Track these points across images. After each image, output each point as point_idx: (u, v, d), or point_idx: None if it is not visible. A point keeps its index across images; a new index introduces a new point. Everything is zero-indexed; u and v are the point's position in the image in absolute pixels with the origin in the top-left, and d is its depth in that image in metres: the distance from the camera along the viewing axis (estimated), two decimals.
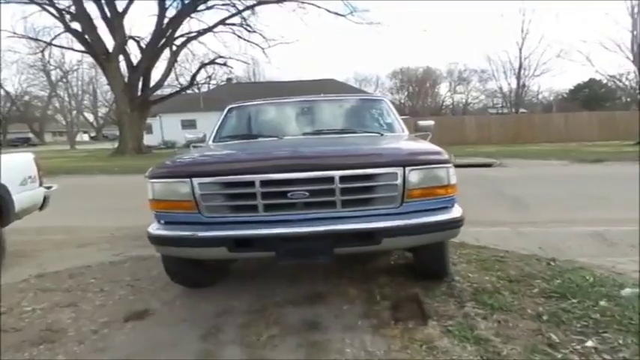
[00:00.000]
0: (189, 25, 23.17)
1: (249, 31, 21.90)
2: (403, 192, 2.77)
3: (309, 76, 56.43)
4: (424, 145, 3.37)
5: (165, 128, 35.09)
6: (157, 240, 2.89)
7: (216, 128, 4.49)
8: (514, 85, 42.42)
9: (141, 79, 21.96)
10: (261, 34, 21.61)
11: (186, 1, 20.95)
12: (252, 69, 48.63)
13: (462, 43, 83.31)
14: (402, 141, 3.77)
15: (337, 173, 2.69)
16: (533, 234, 5.12)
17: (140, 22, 46.82)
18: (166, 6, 21.25)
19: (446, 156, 2.93)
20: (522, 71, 40.26)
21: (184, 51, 22.26)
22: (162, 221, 2.92)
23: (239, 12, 20.42)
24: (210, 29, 21.37)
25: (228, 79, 40.24)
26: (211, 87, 39.96)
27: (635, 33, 18.29)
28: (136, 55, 22.08)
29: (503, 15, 53.82)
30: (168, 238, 2.87)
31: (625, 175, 9.96)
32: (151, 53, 21.37)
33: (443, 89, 61.96)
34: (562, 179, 9.62)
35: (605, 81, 53.78)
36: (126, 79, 21.04)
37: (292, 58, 79.88)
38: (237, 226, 2.77)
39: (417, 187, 2.79)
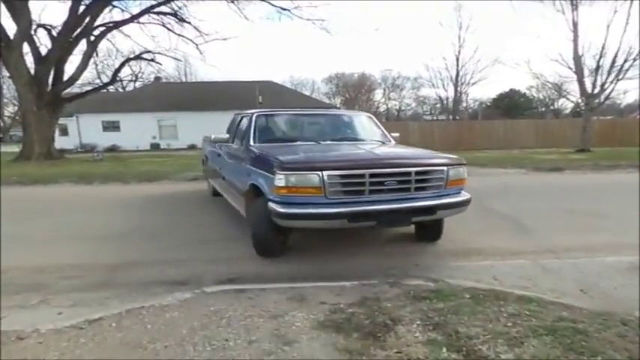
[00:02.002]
0: (112, 15, 20.41)
1: (180, 23, 19.69)
2: (446, 182, 4.40)
3: (244, 77, 54.18)
4: (450, 155, 4.76)
5: (83, 130, 31.43)
6: (292, 216, 3.99)
7: (252, 132, 5.48)
8: (450, 93, 43.32)
9: (52, 72, 18.95)
10: (195, 27, 19.45)
11: None
12: (184, 68, 45.72)
13: (397, 50, 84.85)
14: (435, 153, 4.92)
15: (413, 169, 4.24)
16: (561, 269, 4.14)
17: (53, 8, 41.64)
18: None
19: (464, 161, 4.68)
20: (459, 78, 41.10)
21: (108, 46, 19.59)
22: (290, 202, 3.99)
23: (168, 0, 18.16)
24: (134, 18, 18.87)
25: (157, 78, 37.15)
26: (138, 85, 36.75)
27: (575, 44, 18.56)
28: (46, 46, 19.05)
29: (442, 24, 55.29)
30: (305, 214, 3.97)
31: (601, 186, 9.47)
32: (63, 43, 18.47)
33: (378, 95, 62.92)
34: (536, 191, 8.85)
35: (523, 91, 57.66)
36: (33, 72, 17.97)
37: (227, 58, 76.78)
38: (350, 205, 4.01)
39: (452, 178, 4.45)
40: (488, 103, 57.15)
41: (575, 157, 15.93)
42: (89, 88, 24.76)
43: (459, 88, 42.15)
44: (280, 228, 4.27)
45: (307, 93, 52.69)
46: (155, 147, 30.98)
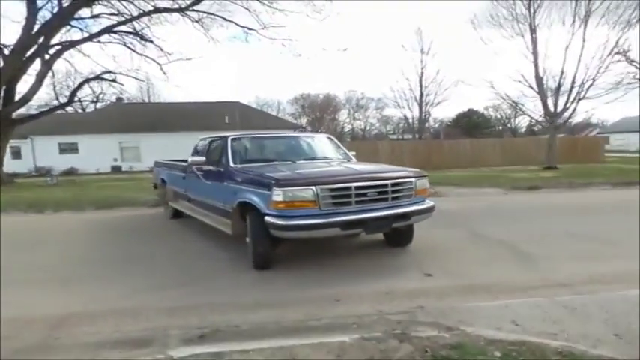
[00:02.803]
0: (70, 34, 19.18)
1: (143, 42, 18.80)
2: (415, 191, 5.13)
3: (210, 98, 53.26)
4: (414, 169, 5.48)
5: (38, 152, 29.60)
6: (291, 228, 4.41)
7: (229, 154, 5.81)
8: (415, 113, 43.86)
9: (2, 92, 17.62)
10: (158, 47, 18.57)
11: (65, 4, 17.36)
12: (147, 89, 44.36)
13: (361, 72, 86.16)
14: (401, 167, 5.70)
15: (389, 182, 4.91)
16: (584, 307, 3.68)
17: (6, 27, 39.62)
18: (38, 7, 17.46)
19: (426, 173, 5.44)
20: (424, 98, 41.68)
21: (68, 67, 18.30)
22: (288, 215, 4.42)
23: (131, 19, 17.28)
24: (93, 37, 17.84)
25: (118, 99, 35.72)
26: (99, 107, 35.14)
27: (536, 66, 18.97)
28: None
29: (405, 47, 56.37)
30: (304, 225, 4.41)
31: (587, 206, 9.27)
32: (16, 62, 17.23)
33: (343, 115, 63.42)
34: (524, 213, 8.51)
35: (482, 111, 59.59)
36: None
37: (192, 79, 75.49)
38: (341, 215, 4.53)
39: (419, 188, 5.19)
40: (449, 123, 58.63)
41: (545, 174, 16.00)
42: (46, 109, 23.23)
43: (423, 108, 42.70)
44: (275, 240, 4.75)
45: (273, 113, 52.18)
46: (116, 170, 29.50)
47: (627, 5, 17.47)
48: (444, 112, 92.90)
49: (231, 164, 5.68)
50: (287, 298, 3.98)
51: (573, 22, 18.07)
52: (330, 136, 7.31)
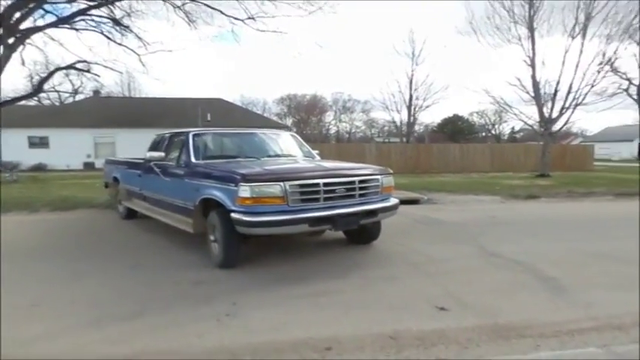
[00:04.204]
0: (45, 21, 17.69)
1: (122, 31, 17.48)
2: (381, 188, 5.15)
3: (193, 94, 51.78)
4: (380, 167, 5.48)
5: (4, 146, 27.86)
6: (258, 224, 4.29)
7: (191, 150, 5.60)
8: (404, 116, 43.19)
9: None
10: (137, 36, 17.23)
11: None
12: (128, 83, 42.77)
13: (348, 73, 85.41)
14: (368, 165, 5.76)
15: (357, 178, 4.91)
16: None
17: None
18: None
19: (391, 171, 5.48)
20: (413, 101, 41.02)
21: (41, 59, 16.71)
22: (255, 211, 4.29)
23: (107, 2, 15.93)
24: (63, 21, 16.46)
25: (96, 92, 34.09)
26: (76, 99, 33.48)
27: (533, 72, 18.41)
28: None
29: (396, 48, 55.91)
30: (272, 222, 4.32)
31: (597, 219, 8.48)
32: None
33: (329, 117, 62.66)
34: (532, 225, 7.60)
35: (466, 117, 59.59)
36: None
37: (176, 75, 73.65)
38: (310, 211, 4.47)
39: (385, 185, 5.23)
40: (434, 128, 58.45)
41: (540, 182, 15.27)
42: (9, 99, 21.65)
43: (412, 112, 42.06)
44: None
45: (259, 112, 50.97)
46: (89, 166, 27.93)
47: (626, 12, 17.02)
48: (430, 116, 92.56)
49: (194, 160, 5.47)
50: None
51: (574, 26, 17.52)
52: (293, 133, 7.36)
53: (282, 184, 4.38)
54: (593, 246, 5.81)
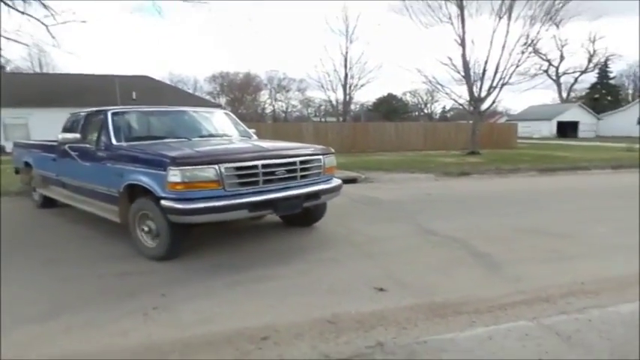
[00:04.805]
0: None
1: None
2: (324, 169, 4.96)
3: (115, 71, 48.48)
4: (321, 146, 5.27)
5: None
6: (192, 211, 3.92)
7: (111, 130, 5.06)
8: (339, 95, 43.36)
9: None
10: (42, 3, 15.40)
11: None
12: (39, 58, 39.05)
13: (283, 51, 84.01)
14: (309, 145, 5.41)
15: (298, 159, 4.67)
16: (579, 333, 2.95)
17: None
18: None
19: (333, 150, 5.28)
20: (348, 80, 41.20)
21: None
22: (188, 198, 3.93)
23: None
24: None
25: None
26: None
27: (464, 52, 19.02)
28: None
29: (329, 25, 55.26)
30: (207, 208, 3.96)
31: (522, 192, 8.94)
32: None
33: (264, 96, 61.60)
34: (464, 201, 7.89)
35: (400, 96, 61.35)
36: None
37: (94, 49, 68.30)
38: (248, 195, 4.19)
39: (327, 166, 5.04)
40: (370, 107, 59.53)
41: (471, 159, 15.98)
42: None
43: (347, 91, 42.31)
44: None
45: (190, 91, 48.87)
46: None
47: None
48: (365, 95, 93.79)
49: (114, 142, 4.97)
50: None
51: (501, 6, 18.27)
52: (227, 112, 7.00)
53: (216, 166, 4.03)
54: (521, 221, 6.10)
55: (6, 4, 15.61)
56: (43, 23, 15.74)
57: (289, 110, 63.69)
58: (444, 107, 63.86)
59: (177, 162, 3.96)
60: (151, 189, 4.16)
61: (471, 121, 21.03)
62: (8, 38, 16.50)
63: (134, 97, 25.34)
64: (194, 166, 3.99)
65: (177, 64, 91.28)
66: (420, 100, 63.12)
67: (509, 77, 18.98)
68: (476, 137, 19.95)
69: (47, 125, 23.35)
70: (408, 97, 63.05)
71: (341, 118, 42.98)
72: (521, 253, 4.60)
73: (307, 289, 3.63)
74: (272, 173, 4.39)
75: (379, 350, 2.63)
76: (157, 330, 2.92)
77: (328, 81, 43.07)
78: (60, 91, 27.21)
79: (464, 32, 18.95)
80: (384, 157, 18.17)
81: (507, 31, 18.49)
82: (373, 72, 44.60)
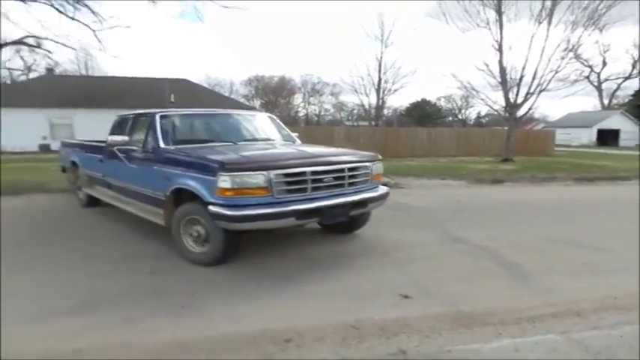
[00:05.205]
0: None
1: (74, 4, 16.39)
2: (371, 177, 4.79)
3: (156, 73, 50.07)
4: (369, 153, 5.07)
5: None
6: (241, 218, 3.83)
7: (159, 133, 5.05)
8: (372, 100, 43.23)
9: None
10: (91, 9, 16.18)
11: None
12: (85, 61, 40.83)
13: (318, 56, 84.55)
14: (355, 151, 5.21)
15: (346, 166, 4.51)
16: (611, 349, 2.82)
17: None
18: None
19: (380, 157, 5.09)
20: (382, 85, 41.02)
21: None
22: (237, 204, 3.85)
23: None
24: None
25: (49, 70, 32.32)
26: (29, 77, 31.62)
27: (501, 57, 18.62)
28: None
29: (365, 30, 55.45)
30: (256, 215, 3.86)
31: (559, 203, 8.67)
32: None
33: (297, 100, 62.14)
34: (496, 210, 7.71)
35: (434, 101, 60.45)
36: None
37: (139, 54, 70.93)
38: (296, 203, 4.06)
39: (375, 173, 4.88)
40: (402, 112, 58.98)
41: (505, 167, 15.59)
42: None
43: (380, 96, 42.12)
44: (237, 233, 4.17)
45: (225, 94, 49.86)
46: (45, 149, 26.60)
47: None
48: (398, 100, 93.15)
49: (162, 145, 4.96)
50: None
51: (541, 11, 17.75)
52: (271, 115, 6.84)
53: (265, 173, 3.94)
54: (554, 231, 5.92)
55: (58, 10, 16.46)
56: (90, 28, 16.50)
57: (322, 114, 63.99)
58: (478, 113, 62.61)
59: (227, 168, 3.91)
60: (199, 194, 4.10)
61: (506, 128, 20.50)
62: (58, 42, 17.46)
63: (173, 99, 26.06)
64: (244, 172, 3.92)
65: (214, 67, 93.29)
66: (455, 105, 62.14)
67: (548, 83, 18.37)
68: (510, 144, 19.44)
69: (90, 125, 24.46)
70: (443, 103, 62.18)
71: (373, 123, 42.78)
72: (552, 264, 4.48)
73: (333, 293, 3.66)
74: (320, 180, 4.26)
75: (401, 358, 2.64)
76: (186, 328, 3.02)
77: (362, 85, 43.18)
78: (103, 93, 28.35)
79: (501, 37, 18.53)
80: (415, 162, 18.00)
81: (547, 36, 17.98)
82: (407, 77, 44.32)
